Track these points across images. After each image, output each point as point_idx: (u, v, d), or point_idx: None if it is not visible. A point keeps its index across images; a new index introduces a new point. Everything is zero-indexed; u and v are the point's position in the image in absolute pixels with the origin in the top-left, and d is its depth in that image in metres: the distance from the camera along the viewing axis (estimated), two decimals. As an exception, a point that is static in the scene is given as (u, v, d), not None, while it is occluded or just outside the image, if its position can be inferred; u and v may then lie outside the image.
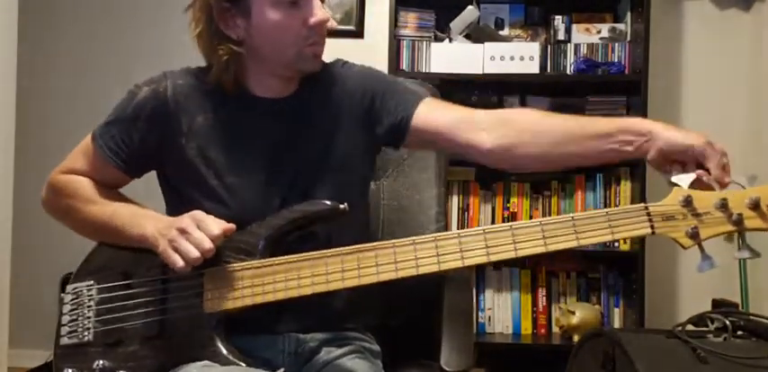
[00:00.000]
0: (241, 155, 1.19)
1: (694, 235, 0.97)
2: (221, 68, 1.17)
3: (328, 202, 1.12)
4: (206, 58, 1.21)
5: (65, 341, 1.18)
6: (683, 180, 0.99)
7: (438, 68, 2.67)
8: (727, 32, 2.82)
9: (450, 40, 2.74)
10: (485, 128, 1.15)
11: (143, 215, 1.17)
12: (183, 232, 1.08)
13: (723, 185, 0.99)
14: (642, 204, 0.99)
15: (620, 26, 2.77)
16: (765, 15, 2.71)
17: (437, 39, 2.77)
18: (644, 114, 2.53)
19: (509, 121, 1.16)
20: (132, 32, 2.99)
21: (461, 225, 2.72)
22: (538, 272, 2.73)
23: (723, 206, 0.96)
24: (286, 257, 1.09)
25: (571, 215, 1.00)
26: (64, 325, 1.19)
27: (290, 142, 1.21)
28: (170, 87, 1.20)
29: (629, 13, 2.75)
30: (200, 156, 1.19)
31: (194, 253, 1.06)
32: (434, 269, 1.03)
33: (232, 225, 1.10)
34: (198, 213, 1.11)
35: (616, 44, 2.73)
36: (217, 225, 1.08)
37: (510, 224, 1.02)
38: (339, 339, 1.22)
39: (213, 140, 1.19)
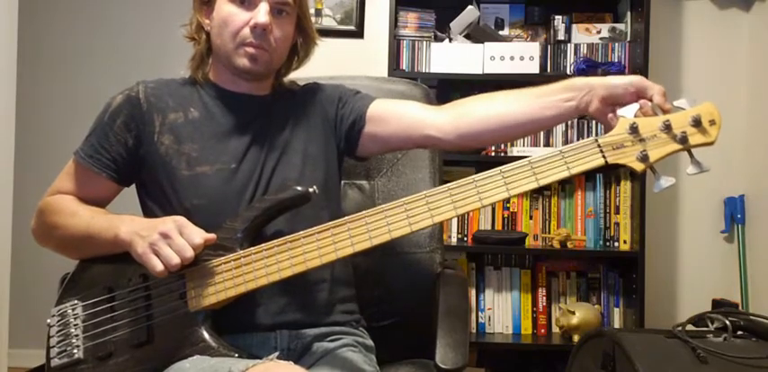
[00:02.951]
0: (211, 146, 1.23)
1: (644, 159, 1.01)
2: (197, 58, 1.28)
3: (299, 188, 1.14)
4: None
5: (55, 362, 1.17)
6: (628, 111, 1.05)
7: (438, 68, 2.67)
8: (727, 32, 2.82)
9: (451, 40, 2.73)
10: (438, 123, 1.24)
11: (118, 218, 1.18)
12: (165, 236, 1.08)
13: (666, 110, 1.03)
14: (592, 137, 1.03)
15: (620, 26, 2.77)
16: (765, 15, 2.71)
17: (437, 39, 2.76)
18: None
19: (459, 109, 1.25)
20: (133, 36, 3.00)
21: (461, 226, 2.72)
22: (538, 272, 2.72)
23: (667, 127, 1.00)
24: (262, 245, 1.10)
25: (528, 159, 1.03)
26: (53, 347, 1.18)
27: (259, 134, 1.26)
28: (141, 90, 1.26)
29: (629, 13, 2.75)
30: (173, 150, 1.22)
31: (175, 260, 1.07)
32: (406, 231, 1.04)
33: (213, 236, 1.11)
34: (181, 218, 1.12)
35: (616, 44, 2.73)
36: (199, 234, 1.09)
37: (473, 177, 1.04)
38: (331, 334, 1.23)
39: (185, 134, 1.23)
